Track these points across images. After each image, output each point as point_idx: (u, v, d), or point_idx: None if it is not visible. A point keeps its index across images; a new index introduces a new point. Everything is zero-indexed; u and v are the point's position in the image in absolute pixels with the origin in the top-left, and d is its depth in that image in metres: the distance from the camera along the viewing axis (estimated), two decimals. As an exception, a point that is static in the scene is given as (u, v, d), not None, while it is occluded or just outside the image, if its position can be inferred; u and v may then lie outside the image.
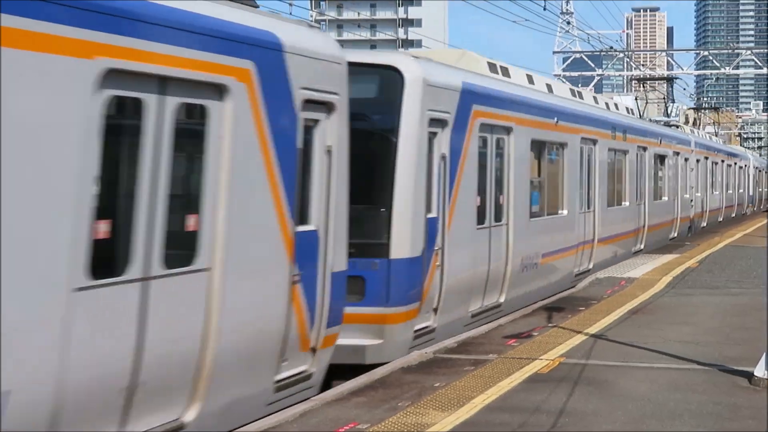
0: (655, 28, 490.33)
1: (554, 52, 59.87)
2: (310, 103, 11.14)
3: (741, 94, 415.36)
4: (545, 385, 12.13)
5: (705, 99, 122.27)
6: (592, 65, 59.74)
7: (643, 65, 71.90)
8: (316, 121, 11.47)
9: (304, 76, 10.92)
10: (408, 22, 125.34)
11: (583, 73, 60.74)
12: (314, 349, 11.54)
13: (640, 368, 13.32)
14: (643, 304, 19.80)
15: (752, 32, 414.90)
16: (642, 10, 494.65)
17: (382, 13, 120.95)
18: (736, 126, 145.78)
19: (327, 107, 11.59)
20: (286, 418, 10.59)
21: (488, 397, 11.55)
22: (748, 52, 64.96)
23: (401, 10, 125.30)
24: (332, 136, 11.68)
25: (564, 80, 57.98)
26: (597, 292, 22.06)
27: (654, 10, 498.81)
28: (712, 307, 19.56)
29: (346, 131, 12.03)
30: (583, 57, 58.45)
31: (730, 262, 29.26)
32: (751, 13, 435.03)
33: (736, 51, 66.85)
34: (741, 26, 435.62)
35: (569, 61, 59.64)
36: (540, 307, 19.67)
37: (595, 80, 62.20)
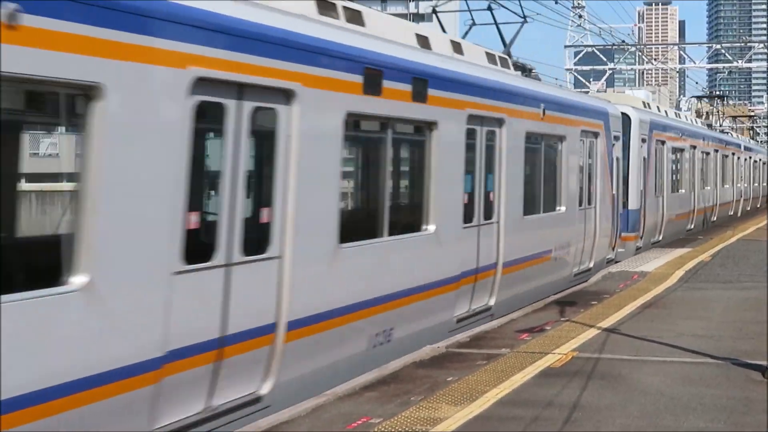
0: (666, 21, 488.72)
1: (566, 46, 59.72)
2: None
3: (753, 87, 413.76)
4: (558, 380, 12.11)
5: (717, 93, 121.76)
6: (604, 59, 59.55)
7: (655, 59, 71.63)
8: None
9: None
10: (419, 17, 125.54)
11: (595, 67, 60.52)
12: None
13: (653, 362, 13.28)
14: (656, 298, 19.75)
15: (765, 25, 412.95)
16: (653, 4, 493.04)
17: (393, 8, 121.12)
18: (749, 119, 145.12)
19: None
20: (298, 412, 10.59)
21: (501, 391, 11.53)
22: (761, 45, 64.67)
23: (412, 5, 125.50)
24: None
25: (576, 74, 57.86)
26: (609, 286, 22.01)
27: (666, 3, 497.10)
28: (725, 301, 19.50)
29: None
30: (595, 51, 58.28)
31: (743, 256, 29.17)
32: (764, 6, 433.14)
33: (748, 44, 66.54)
34: (753, 19, 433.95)
35: (581, 55, 59.51)
36: (552, 302, 19.63)
37: (607, 74, 62.01)
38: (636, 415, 10.51)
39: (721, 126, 64.63)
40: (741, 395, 11.38)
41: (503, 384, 11.89)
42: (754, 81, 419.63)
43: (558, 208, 21.69)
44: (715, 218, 45.43)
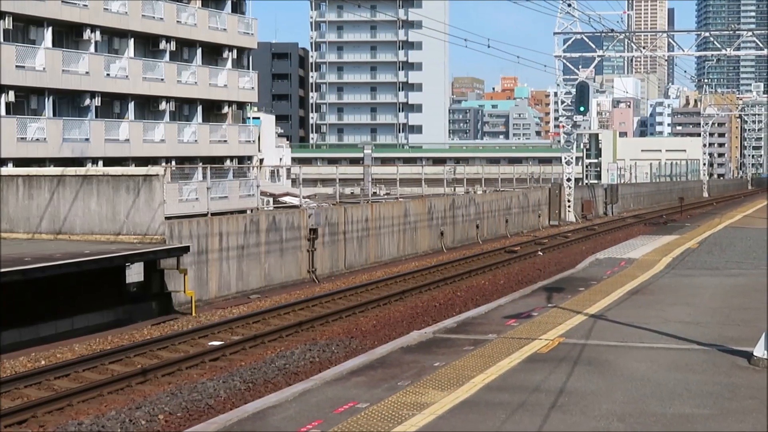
0: (656, 9, 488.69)
1: (555, 33, 59.57)
2: None
3: (742, 75, 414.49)
4: (545, 365, 12.13)
5: (705, 81, 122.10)
6: (593, 46, 59.50)
7: (643, 47, 71.62)
8: None
9: None
10: (408, 3, 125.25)
11: (584, 54, 60.44)
12: None
13: (640, 348, 13.32)
14: (643, 285, 19.80)
15: (753, 13, 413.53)
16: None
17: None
18: (737, 108, 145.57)
19: None
20: (286, 397, 10.60)
21: (488, 376, 11.55)
22: (749, 33, 64.71)
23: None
24: None
25: (565, 61, 57.77)
26: (597, 272, 22.06)
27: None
28: (712, 287, 19.56)
29: None
30: (584, 38, 58.23)
31: (731, 244, 29.27)
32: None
33: (737, 32, 66.58)
34: (742, 7, 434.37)
35: (570, 42, 59.37)
36: (540, 288, 19.67)
37: (596, 61, 61.96)
38: (622, 400, 10.54)
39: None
40: (727, 381, 11.42)
41: (490, 369, 11.91)
42: (742, 69, 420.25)
43: None
44: None
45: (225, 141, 52.07)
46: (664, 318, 15.75)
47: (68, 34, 42.55)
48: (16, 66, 38.35)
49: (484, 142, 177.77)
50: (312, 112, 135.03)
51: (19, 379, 15.44)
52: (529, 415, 9.92)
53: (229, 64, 53.02)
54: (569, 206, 54.61)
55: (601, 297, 17.99)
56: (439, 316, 20.70)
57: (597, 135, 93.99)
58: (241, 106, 55.79)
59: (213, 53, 52.56)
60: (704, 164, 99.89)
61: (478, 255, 34.24)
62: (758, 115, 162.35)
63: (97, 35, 43.10)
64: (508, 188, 48.53)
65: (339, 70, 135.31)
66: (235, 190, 33.30)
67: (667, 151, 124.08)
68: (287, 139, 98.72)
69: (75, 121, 41.80)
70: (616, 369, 12.01)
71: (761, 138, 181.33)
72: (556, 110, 78.78)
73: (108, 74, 43.73)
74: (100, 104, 43.19)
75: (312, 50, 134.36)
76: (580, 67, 61.79)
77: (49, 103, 40.69)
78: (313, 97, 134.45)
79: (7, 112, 38.36)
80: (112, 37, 45.00)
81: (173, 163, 44.95)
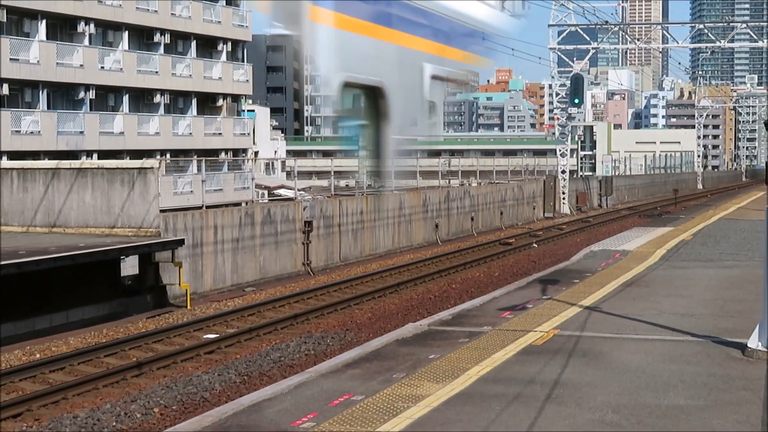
0: (650, 1, 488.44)
1: (549, 25, 59.54)
2: None
3: (736, 67, 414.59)
4: (540, 357, 12.15)
5: (700, 73, 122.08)
6: (587, 38, 59.47)
7: (638, 39, 71.61)
8: None
9: None
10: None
11: (578, 46, 60.42)
12: None
13: (634, 340, 13.35)
14: (637, 277, 19.83)
15: (748, 5, 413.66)
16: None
17: None
18: (731, 100, 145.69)
19: None
20: (281, 389, 10.61)
21: (483, 368, 11.57)
22: (744, 25, 64.73)
23: None
24: None
25: (560, 53, 57.76)
26: (591, 264, 22.09)
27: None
28: (706, 279, 19.60)
29: None
30: (579, 30, 58.21)
31: (725, 235, 29.31)
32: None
33: (731, 24, 66.57)
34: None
35: (564, 34, 59.35)
36: (534, 280, 19.70)
37: (590, 53, 61.97)
38: (617, 392, 10.56)
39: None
40: (721, 372, 11.45)
41: (485, 361, 11.93)
42: (736, 61, 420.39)
43: None
44: None
45: (220, 134, 52.05)
46: (658, 310, 15.79)
47: (62, 27, 42.50)
48: (10, 59, 38.32)
49: (478, 134, 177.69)
50: (307, 104, 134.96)
51: (14, 373, 15.45)
52: (524, 407, 9.94)
53: (223, 56, 52.98)
54: (564, 198, 54.68)
55: (596, 289, 18.02)
56: (434, 308, 20.74)
57: (591, 127, 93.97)
58: (235, 98, 55.76)
59: (207, 46, 52.52)
60: (698, 156, 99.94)
61: (473, 247, 34.29)
62: (752, 106, 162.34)
63: (92, 28, 43.06)
64: (502, 180, 48.57)
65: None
66: (230, 182, 33.32)
67: (661, 143, 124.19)
68: (282, 132, 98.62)
69: (69, 114, 41.77)
70: (611, 361, 12.04)
71: (755, 130, 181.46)
72: (551, 102, 78.90)
73: (102, 67, 43.71)
74: (94, 97, 43.17)
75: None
76: (574, 59, 61.82)
77: (43, 96, 40.66)
78: (308, 89, 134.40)
79: (1, 105, 38.34)
80: (107, 30, 44.97)
81: (168, 155, 44.96)
